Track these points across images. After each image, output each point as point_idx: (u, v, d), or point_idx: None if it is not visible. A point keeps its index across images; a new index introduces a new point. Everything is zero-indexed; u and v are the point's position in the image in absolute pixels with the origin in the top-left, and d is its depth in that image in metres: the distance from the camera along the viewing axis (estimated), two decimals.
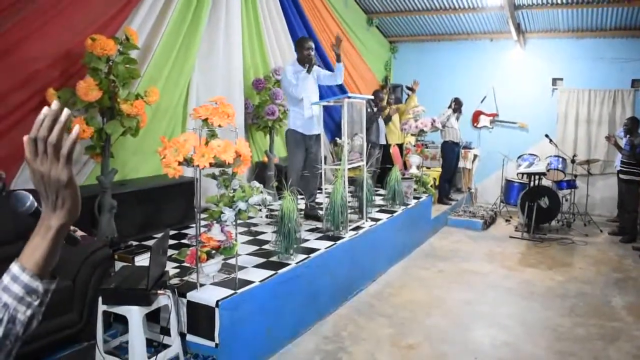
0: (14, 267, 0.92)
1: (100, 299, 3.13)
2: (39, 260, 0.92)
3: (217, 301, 3.28)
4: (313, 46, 5.40)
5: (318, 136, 5.49)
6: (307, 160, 5.43)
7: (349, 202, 5.24)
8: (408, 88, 8.93)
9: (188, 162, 3.23)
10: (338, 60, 5.38)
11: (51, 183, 0.90)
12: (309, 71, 5.25)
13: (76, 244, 1.09)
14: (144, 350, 3.04)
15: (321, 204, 5.38)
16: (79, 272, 3.42)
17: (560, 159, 7.95)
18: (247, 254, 4.31)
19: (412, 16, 9.51)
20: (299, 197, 4.67)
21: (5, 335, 0.88)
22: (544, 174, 7.46)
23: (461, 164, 8.99)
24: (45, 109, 0.89)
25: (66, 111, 0.90)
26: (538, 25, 9.05)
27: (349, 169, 5.13)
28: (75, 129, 0.91)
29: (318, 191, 5.73)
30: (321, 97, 5.92)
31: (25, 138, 0.89)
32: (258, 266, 4.01)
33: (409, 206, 6.51)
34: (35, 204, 1.11)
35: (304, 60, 5.31)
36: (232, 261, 3.72)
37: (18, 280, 0.90)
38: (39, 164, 0.89)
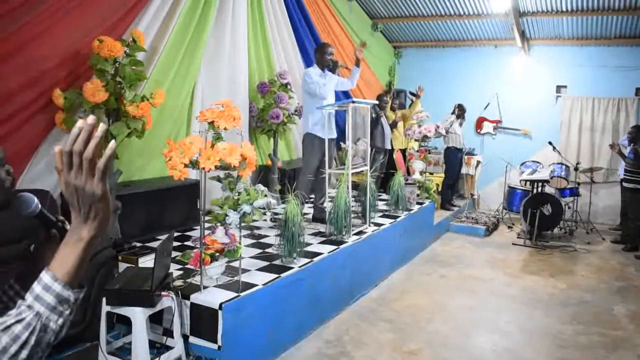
0: (46, 277, 0.92)
1: (104, 299, 3.14)
2: (70, 270, 0.93)
3: (221, 304, 3.29)
4: (333, 51, 5.60)
5: (333, 140, 5.57)
6: (321, 165, 5.45)
7: (352, 206, 5.25)
8: (412, 94, 8.94)
9: (194, 164, 3.24)
10: (357, 64, 5.57)
11: (85, 196, 0.91)
12: (333, 71, 5.42)
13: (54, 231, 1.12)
14: (146, 352, 3.05)
15: (326, 207, 5.39)
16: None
17: (564, 167, 7.94)
18: (250, 257, 4.32)
19: (416, 22, 9.54)
20: (305, 201, 4.69)
21: (37, 343, 0.89)
22: (547, 181, 7.46)
23: (464, 170, 9.00)
24: (80, 122, 0.90)
25: (102, 126, 0.92)
26: (542, 33, 9.07)
27: (352, 173, 5.14)
28: (112, 144, 0.93)
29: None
30: None
31: (58, 149, 0.90)
32: (261, 269, 4.02)
33: (411, 211, 6.52)
34: (40, 206, 1.13)
35: (325, 64, 5.44)
36: (235, 264, 3.72)
37: (50, 289, 0.91)
38: (73, 178, 0.90)
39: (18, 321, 0.88)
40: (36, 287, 0.92)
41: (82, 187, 0.90)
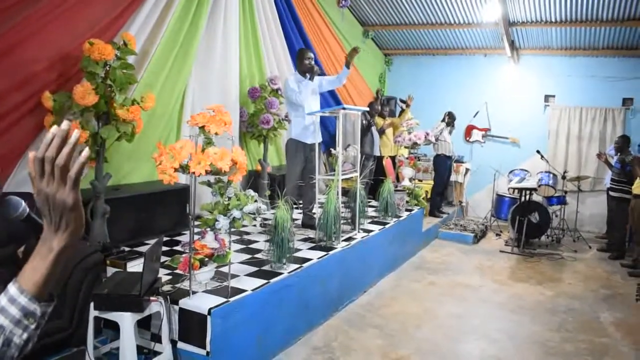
0: (12, 288, 0.89)
1: (91, 304, 3.11)
2: (38, 282, 0.90)
3: (209, 309, 3.27)
4: (312, 56, 5.59)
5: (316, 145, 5.55)
6: (306, 170, 5.46)
7: (342, 212, 5.26)
8: (402, 101, 8.99)
9: (184, 169, 3.23)
10: (347, 66, 5.55)
11: (56, 205, 0.88)
12: (311, 79, 5.41)
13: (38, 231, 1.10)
14: (134, 357, 3.02)
15: (315, 213, 5.39)
16: (70, 277, 3.40)
17: (551, 175, 8.02)
18: (239, 263, 4.30)
19: (407, 30, 9.60)
20: (294, 206, 4.69)
21: None
22: (534, 189, 7.53)
23: (453, 178, 9.05)
24: (54, 128, 0.87)
25: (76, 132, 0.88)
26: (532, 42, 9.17)
27: (342, 179, 5.15)
28: (85, 152, 0.89)
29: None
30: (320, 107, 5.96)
31: (31, 155, 0.87)
32: (250, 275, 4.01)
33: (400, 218, 6.54)
34: (28, 209, 1.11)
35: (305, 70, 5.44)
36: (224, 269, 3.71)
37: (16, 302, 0.88)
38: (44, 185, 0.87)
39: None
40: (2, 300, 0.88)
41: (53, 195, 0.87)
